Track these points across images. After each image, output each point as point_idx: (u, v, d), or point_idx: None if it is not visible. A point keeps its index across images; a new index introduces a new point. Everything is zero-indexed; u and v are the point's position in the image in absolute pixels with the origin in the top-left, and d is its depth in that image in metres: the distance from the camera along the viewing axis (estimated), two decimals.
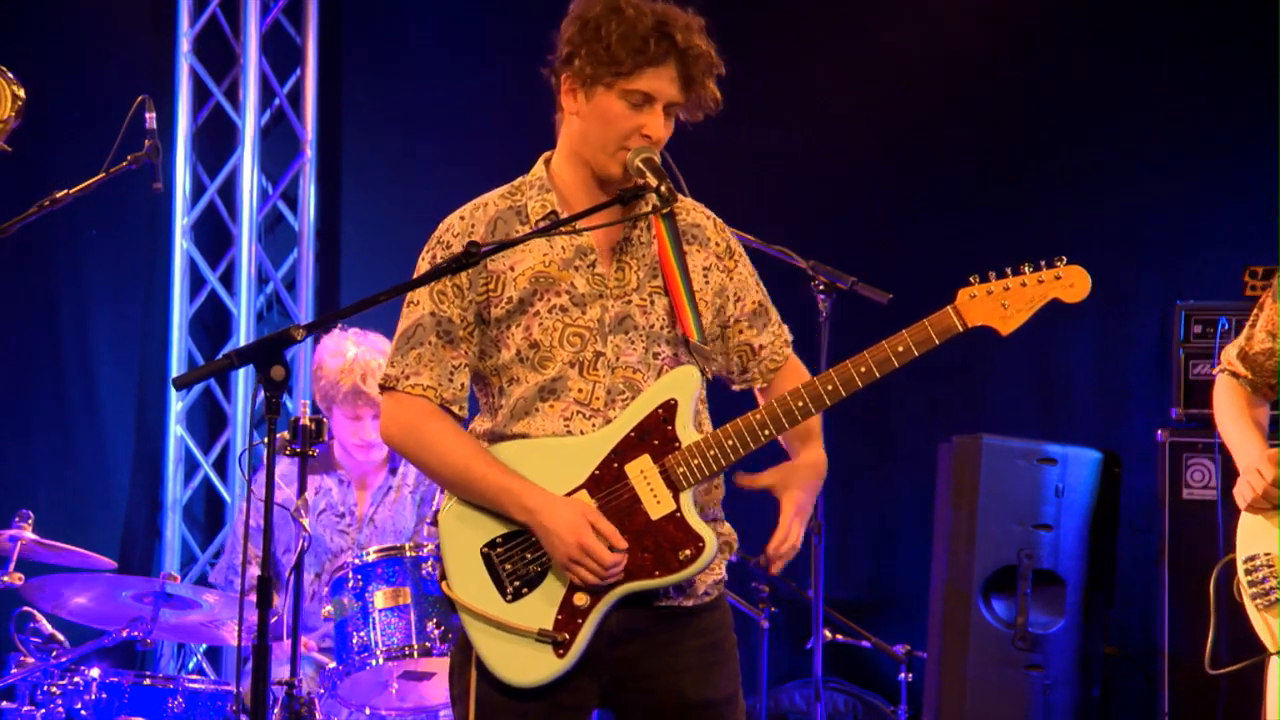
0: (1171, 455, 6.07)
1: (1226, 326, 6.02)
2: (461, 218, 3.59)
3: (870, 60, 7.13)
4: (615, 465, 3.46)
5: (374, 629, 4.94)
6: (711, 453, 3.44)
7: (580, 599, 3.43)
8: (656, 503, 3.44)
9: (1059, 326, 6.78)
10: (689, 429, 3.47)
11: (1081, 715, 6.26)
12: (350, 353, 5.57)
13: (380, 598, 4.95)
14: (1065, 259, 3.48)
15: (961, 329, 3.46)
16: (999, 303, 3.46)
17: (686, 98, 3.49)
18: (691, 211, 3.65)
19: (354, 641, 4.97)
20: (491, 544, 3.48)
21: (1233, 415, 4.49)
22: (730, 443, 3.45)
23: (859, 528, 7.12)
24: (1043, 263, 3.49)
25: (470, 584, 3.49)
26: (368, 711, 5.19)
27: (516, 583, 3.46)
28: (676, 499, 3.44)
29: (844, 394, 3.45)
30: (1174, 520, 6.00)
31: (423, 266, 3.57)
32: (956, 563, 6.23)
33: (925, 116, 7.08)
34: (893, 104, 7.10)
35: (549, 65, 3.55)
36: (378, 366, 5.44)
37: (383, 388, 3.58)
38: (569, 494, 3.46)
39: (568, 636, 3.43)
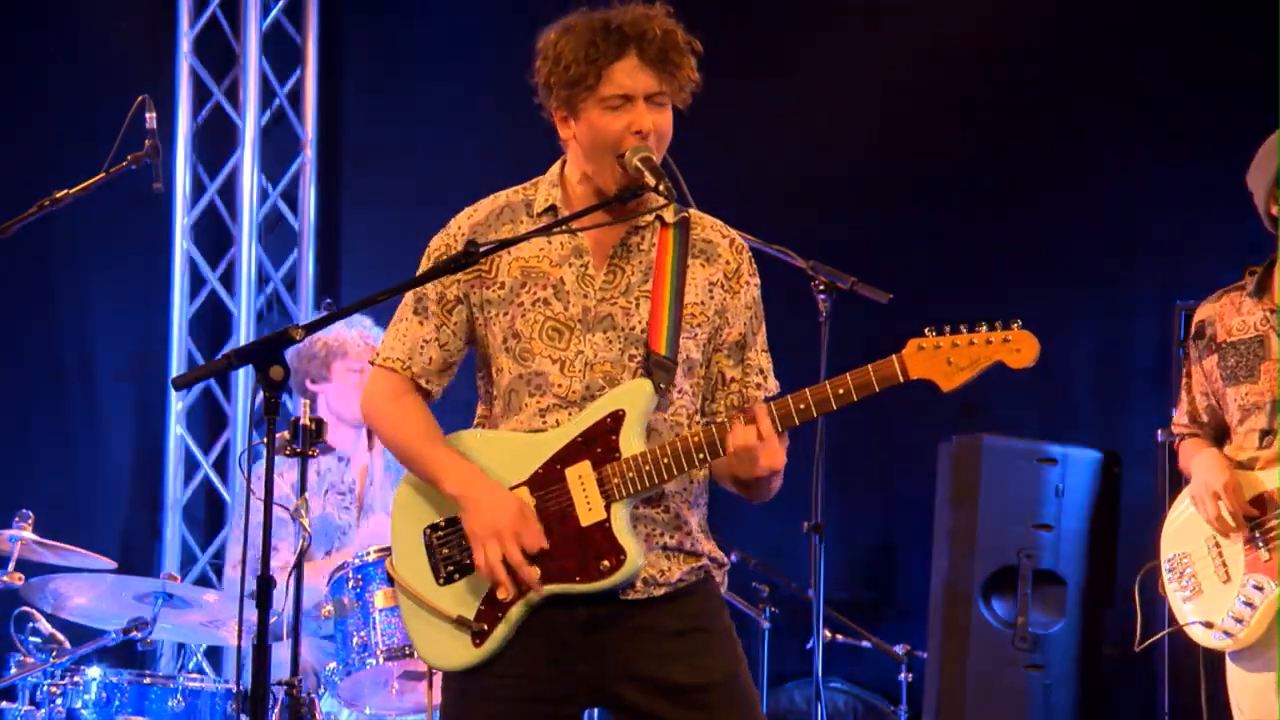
0: (1171, 455, 6.03)
1: None
2: (473, 208, 3.64)
3: (870, 60, 7.13)
4: (557, 467, 3.46)
5: (374, 629, 4.95)
6: (647, 469, 3.43)
7: (503, 593, 3.45)
8: (588, 510, 3.44)
9: (1059, 326, 6.77)
10: (633, 441, 3.44)
11: (1081, 715, 6.26)
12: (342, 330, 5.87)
13: (380, 598, 4.95)
14: (1020, 322, 3.39)
15: (903, 379, 3.39)
16: (945, 359, 3.39)
17: (663, 81, 3.45)
18: (709, 229, 3.63)
19: (354, 641, 4.97)
20: (434, 527, 3.53)
21: (1194, 451, 4.88)
22: (665, 461, 3.43)
23: (859, 528, 7.12)
24: (998, 323, 3.39)
25: (409, 563, 3.55)
26: (368, 711, 5.19)
27: (450, 568, 3.50)
28: (608, 509, 3.43)
29: (780, 429, 3.41)
30: None
31: (430, 254, 3.63)
32: (956, 563, 6.22)
33: (926, 116, 7.07)
34: (893, 103, 7.09)
35: (540, 106, 3.56)
36: (358, 334, 5.81)
37: (371, 362, 3.69)
38: (511, 489, 3.47)
39: (485, 627, 3.45)
